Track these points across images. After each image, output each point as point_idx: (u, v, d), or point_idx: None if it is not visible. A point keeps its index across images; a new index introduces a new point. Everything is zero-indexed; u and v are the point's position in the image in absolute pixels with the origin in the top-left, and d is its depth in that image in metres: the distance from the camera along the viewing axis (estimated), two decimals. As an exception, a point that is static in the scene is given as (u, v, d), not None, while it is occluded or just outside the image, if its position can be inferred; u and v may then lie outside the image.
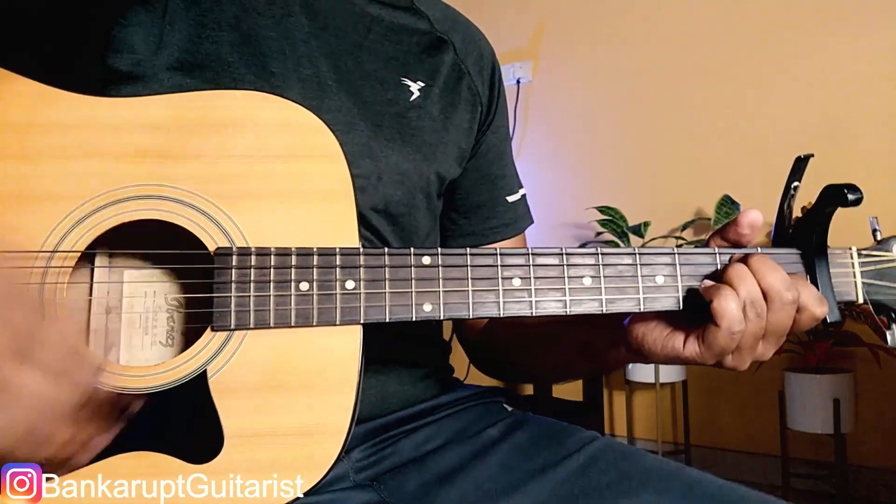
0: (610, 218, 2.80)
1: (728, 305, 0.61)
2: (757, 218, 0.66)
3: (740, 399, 2.71)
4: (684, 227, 2.75)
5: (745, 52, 2.77)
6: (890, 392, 2.43)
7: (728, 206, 2.58)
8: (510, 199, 0.93)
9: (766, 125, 2.70)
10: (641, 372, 2.66)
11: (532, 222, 0.96)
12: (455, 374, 0.94)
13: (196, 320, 0.62)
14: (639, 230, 2.73)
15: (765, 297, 0.62)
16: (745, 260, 0.63)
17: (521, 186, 0.95)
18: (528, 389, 2.86)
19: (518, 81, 3.24)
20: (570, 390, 2.81)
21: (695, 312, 0.64)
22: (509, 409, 0.86)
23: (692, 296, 0.64)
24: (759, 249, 0.66)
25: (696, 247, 0.68)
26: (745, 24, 2.78)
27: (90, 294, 0.65)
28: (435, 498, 0.70)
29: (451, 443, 0.78)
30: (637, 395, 2.94)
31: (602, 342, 0.74)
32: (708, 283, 0.64)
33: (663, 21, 2.96)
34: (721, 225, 0.69)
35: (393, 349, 0.79)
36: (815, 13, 2.63)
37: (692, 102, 2.88)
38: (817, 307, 0.63)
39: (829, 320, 0.65)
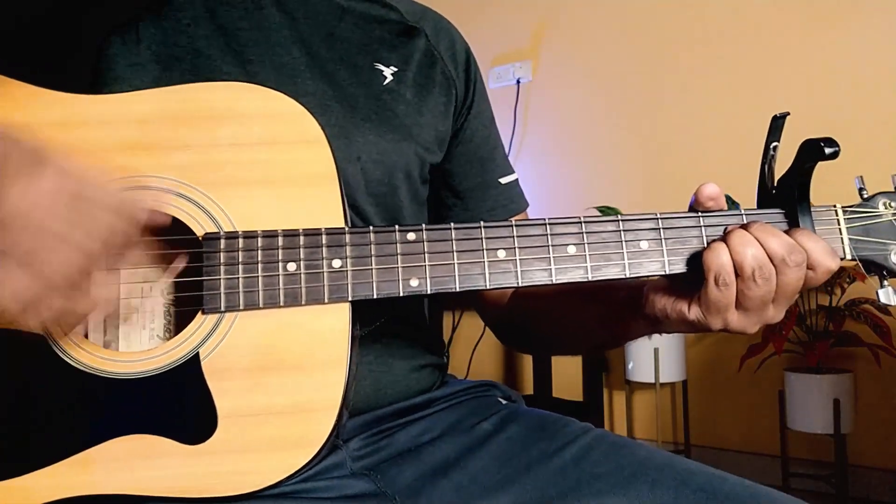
0: (610, 218, 2.79)
1: (716, 257, 0.62)
2: (714, 190, 0.67)
3: (740, 399, 2.71)
4: (683, 227, 2.75)
5: (746, 51, 2.77)
6: (890, 392, 2.42)
7: (728, 205, 2.57)
8: (503, 180, 0.94)
9: (766, 125, 2.69)
10: (641, 372, 2.66)
11: (528, 205, 0.97)
12: (455, 372, 0.95)
13: (188, 305, 0.63)
14: (639, 230, 2.73)
15: (772, 262, 0.62)
16: (745, 228, 0.63)
17: (513, 170, 0.97)
18: (528, 389, 2.86)
19: (518, 81, 3.24)
20: (569, 390, 2.81)
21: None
22: (504, 402, 0.87)
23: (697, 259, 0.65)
24: (743, 210, 0.66)
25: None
26: (746, 23, 2.78)
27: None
28: (430, 490, 0.71)
29: (446, 435, 0.79)
30: (637, 394, 2.93)
31: (620, 315, 0.74)
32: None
33: (663, 21, 2.96)
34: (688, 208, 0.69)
35: (387, 341, 0.80)
36: (816, 13, 2.63)
37: (692, 102, 2.88)
38: (831, 260, 0.63)
39: None
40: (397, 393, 0.82)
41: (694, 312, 0.65)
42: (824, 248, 0.63)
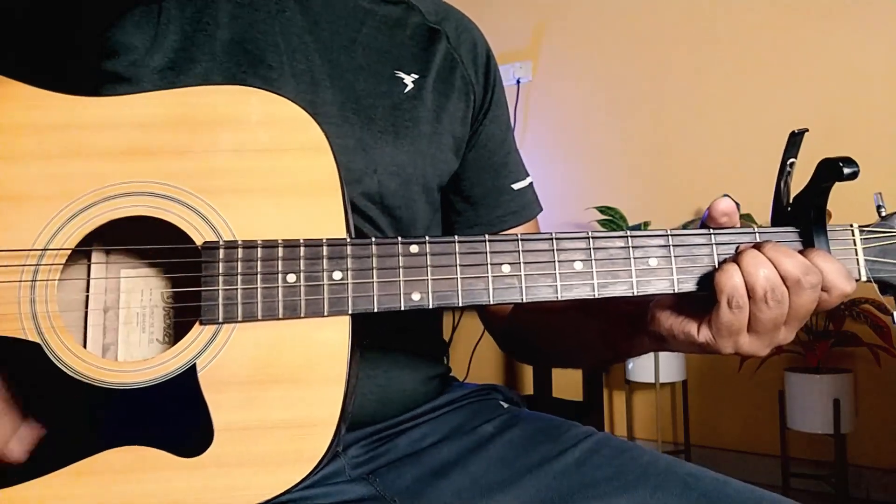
0: (610, 218, 2.79)
1: (729, 279, 0.59)
2: (729, 205, 0.64)
3: (740, 399, 2.71)
4: (684, 227, 2.75)
5: (746, 51, 2.77)
6: (890, 392, 2.42)
7: (728, 206, 2.58)
8: (515, 186, 0.92)
9: (767, 125, 2.69)
10: (641, 372, 2.66)
11: (541, 210, 0.95)
12: (455, 373, 0.94)
13: (186, 315, 0.62)
14: (639, 230, 2.72)
15: (785, 284, 0.59)
16: (757, 248, 0.61)
17: (527, 175, 0.95)
18: (528, 389, 2.86)
19: (518, 81, 3.24)
20: (570, 390, 2.80)
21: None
22: (505, 405, 0.86)
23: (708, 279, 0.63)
24: (757, 229, 0.64)
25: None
26: (746, 23, 2.77)
27: (87, 291, 0.66)
28: (430, 491, 0.70)
29: (447, 438, 0.78)
30: (637, 394, 2.93)
31: (623, 331, 0.73)
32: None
33: (663, 21, 2.96)
34: (700, 219, 0.67)
35: (393, 354, 0.80)
36: (816, 11, 2.63)
37: (692, 102, 2.88)
38: (846, 284, 0.61)
39: None
40: (404, 406, 0.81)
41: (704, 335, 0.62)
42: (839, 269, 0.61)
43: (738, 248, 0.63)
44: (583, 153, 3.14)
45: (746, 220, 2.53)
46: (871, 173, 2.48)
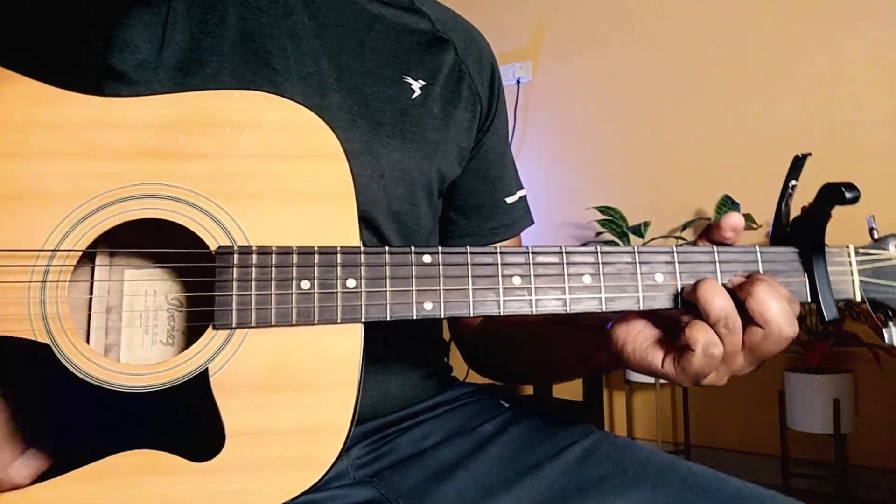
0: (610, 218, 2.80)
1: (698, 335, 0.59)
2: (738, 222, 0.65)
3: (740, 399, 2.71)
4: (684, 227, 2.75)
5: (746, 52, 2.77)
6: (890, 392, 2.42)
7: (728, 206, 2.59)
8: (509, 200, 0.93)
9: (767, 125, 2.70)
10: (641, 372, 2.66)
11: (531, 223, 0.96)
12: (455, 373, 0.94)
13: (197, 319, 0.62)
14: (639, 230, 2.73)
15: (764, 325, 0.59)
16: (752, 284, 0.60)
17: (520, 188, 0.95)
18: (528, 389, 2.86)
19: (518, 81, 3.24)
20: (570, 390, 2.81)
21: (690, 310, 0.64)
22: (506, 405, 0.86)
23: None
24: (758, 248, 0.66)
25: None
26: (746, 24, 2.78)
27: (90, 293, 0.65)
28: (434, 494, 0.71)
29: (449, 438, 0.78)
30: (637, 394, 2.94)
31: (588, 344, 0.73)
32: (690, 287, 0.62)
33: (663, 21, 2.96)
34: (706, 226, 0.69)
35: (393, 350, 0.80)
36: (816, 13, 2.63)
37: (692, 102, 2.88)
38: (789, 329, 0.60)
39: (826, 318, 0.64)
40: (404, 402, 0.82)
41: (668, 368, 0.63)
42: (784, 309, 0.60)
43: (729, 282, 0.63)
44: (583, 153, 3.14)
45: (746, 219, 2.53)
46: (871, 173, 2.48)
